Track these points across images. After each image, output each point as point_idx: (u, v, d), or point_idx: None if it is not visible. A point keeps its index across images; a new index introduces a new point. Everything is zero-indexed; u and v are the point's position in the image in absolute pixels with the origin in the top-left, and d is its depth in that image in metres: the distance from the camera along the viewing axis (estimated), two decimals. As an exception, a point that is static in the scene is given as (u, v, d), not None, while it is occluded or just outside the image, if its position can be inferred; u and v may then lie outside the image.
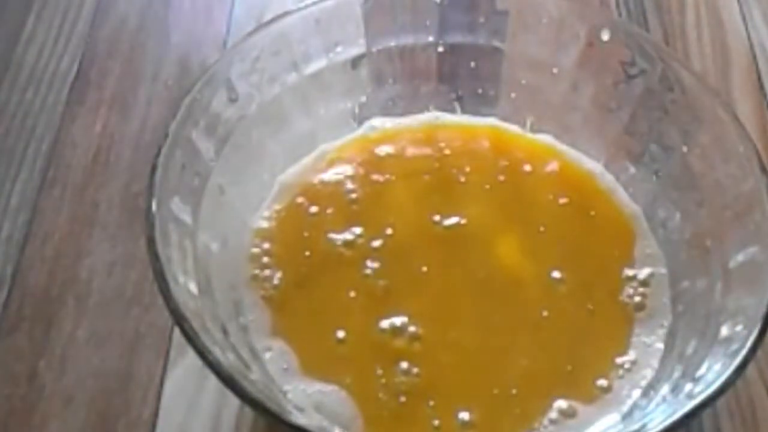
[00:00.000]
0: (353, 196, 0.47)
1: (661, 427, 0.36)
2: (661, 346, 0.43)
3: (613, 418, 0.40)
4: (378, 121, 0.49)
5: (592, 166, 0.48)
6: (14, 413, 0.44)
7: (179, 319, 0.36)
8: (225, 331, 0.40)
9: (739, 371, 0.36)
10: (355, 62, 0.49)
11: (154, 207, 0.39)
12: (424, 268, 0.44)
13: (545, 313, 0.43)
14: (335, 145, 0.48)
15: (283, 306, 0.43)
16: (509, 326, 0.43)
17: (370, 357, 0.41)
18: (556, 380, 0.42)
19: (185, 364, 0.45)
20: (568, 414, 0.41)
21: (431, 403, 0.40)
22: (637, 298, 0.44)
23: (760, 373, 0.46)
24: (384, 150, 0.48)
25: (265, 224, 0.45)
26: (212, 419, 0.44)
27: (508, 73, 0.49)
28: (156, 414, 0.44)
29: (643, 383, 0.41)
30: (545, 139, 0.49)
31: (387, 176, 0.47)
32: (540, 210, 0.47)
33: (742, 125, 0.43)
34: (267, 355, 0.41)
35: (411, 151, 0.49)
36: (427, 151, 0.49)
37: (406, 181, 0.47)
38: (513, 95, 0.50)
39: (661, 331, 0.43)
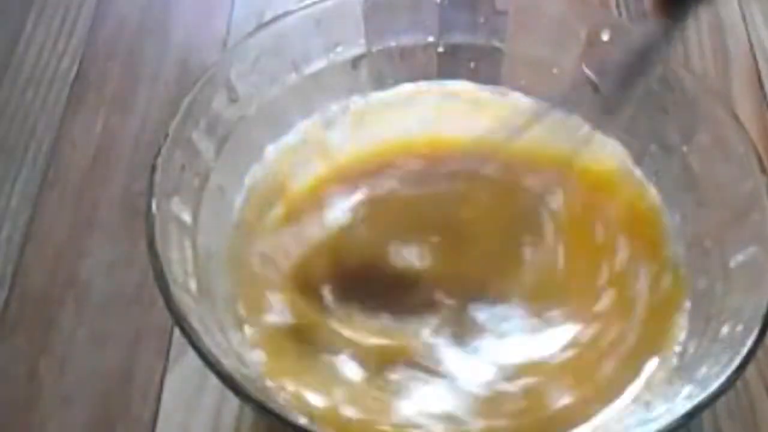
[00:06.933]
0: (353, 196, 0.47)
1: (661, 427, 0.36)
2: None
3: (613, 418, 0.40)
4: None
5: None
6: (14, 413, 0.44)
7: (179, 319, 0.36)
8: (225, 332, 0.40)
9: (739, 371, 0.36)
10: (355, 62, 0.48)
11: (154, 207, 0.39)
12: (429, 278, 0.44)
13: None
14: (335, 144, 0.48)
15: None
16: None
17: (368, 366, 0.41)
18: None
19: (185, 364, 0.45)
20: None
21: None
22: None
23: (760, 373, 0.46)
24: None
25: (264, 224, 0.45)
26: (212, 419, 0.44)
27: (508, 73, 0.49)
28: (156, 414, 0.44)
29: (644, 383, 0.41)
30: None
31: (389, 184, 0.47)
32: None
33: (742, 125, 0.43)
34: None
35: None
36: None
37: (406, 190, 0.47)
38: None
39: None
